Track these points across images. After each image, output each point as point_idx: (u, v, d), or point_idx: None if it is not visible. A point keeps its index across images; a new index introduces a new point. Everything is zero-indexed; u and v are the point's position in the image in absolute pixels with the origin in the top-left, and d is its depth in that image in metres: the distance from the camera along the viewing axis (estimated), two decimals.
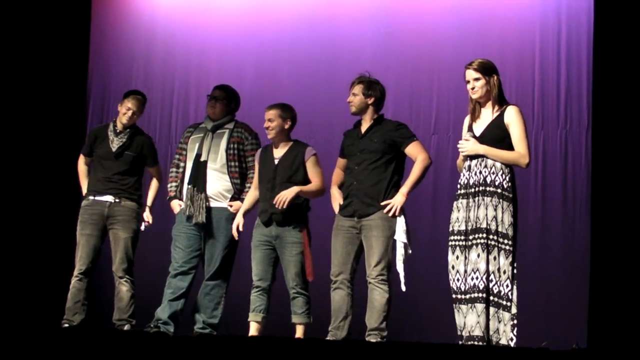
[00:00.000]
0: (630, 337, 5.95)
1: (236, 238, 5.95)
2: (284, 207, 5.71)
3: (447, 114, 7.09)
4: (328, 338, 5.50)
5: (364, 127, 5.64)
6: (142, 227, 6.27)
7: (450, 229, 5.10)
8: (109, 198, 6.21)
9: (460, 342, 4.94)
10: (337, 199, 5.66)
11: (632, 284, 6.11)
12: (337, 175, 5.79)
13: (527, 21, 7.01)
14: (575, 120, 6.79)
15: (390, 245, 5.44)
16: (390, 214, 5.43)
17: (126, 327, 6.10)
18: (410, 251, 5.45)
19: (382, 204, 5.45)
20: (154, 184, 6.43)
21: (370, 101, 5.60)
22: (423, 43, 7.27)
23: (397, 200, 5.45)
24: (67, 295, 6.18)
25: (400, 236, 5.41)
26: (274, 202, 5.74)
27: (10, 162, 7.61)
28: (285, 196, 5.73)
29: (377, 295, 5.42)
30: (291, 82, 7.52)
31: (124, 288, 6.16)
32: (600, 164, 6.40)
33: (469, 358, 4.21)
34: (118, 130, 6.29)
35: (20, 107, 7.73)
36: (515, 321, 4.90)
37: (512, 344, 4.86)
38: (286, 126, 5.92)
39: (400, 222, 5.43)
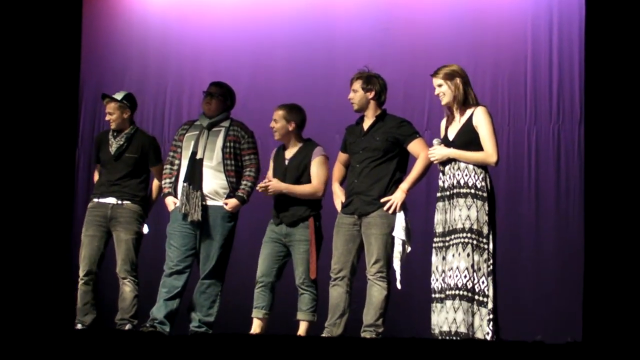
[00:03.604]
0: (625, 330, 5.96)
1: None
2: (267, 194, 5.84)
3: (440, 110, 6.96)
4: (323, 335, 5.52)
5: (366, 124, 5.63)
6: (145, 230, 6.27)
7: (434, 230, 5.19)
8: (111, 200, 6.25)
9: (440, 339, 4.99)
10: (339, 196, 5.67)
11: (626, 277, 6.12)
12: (339, 170, 5.80)
13: (520, 16, 7.02)
14: (567, 115, 6.80)
15: (390, 242, 5.45)
16: (390, 210, 5.44)
17: (127, 327, 6.12)
18: (409, 249, 5.47)
19: (382, 200, 5.46)
20: (155, 185, 6.40)
21: (371, 95, 5.60)
22: (417, 39, 7.27)
23: (397, 196, 5.47)
24: (74, 296, 6.27)
25: (399, 233, 5.42)
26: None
27: (5, 166, 7.59)
28: (273, 187, 5.82)
29: (376, 292, 5.44)
30: (287, 78, 7.51)
31: (127, 289, 6.19)
32: (594, 157, 6.41)
33: (462, 353, 4.23)
34: (116, 134, 6.33)
35: (12, 108, 7.71)
36: (491, 316, 4.96)
37: (488, 337, 4.91)
38: (290, 128, 5.95)
39: (400, 219, 5.44)
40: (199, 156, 6.06)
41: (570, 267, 6.55)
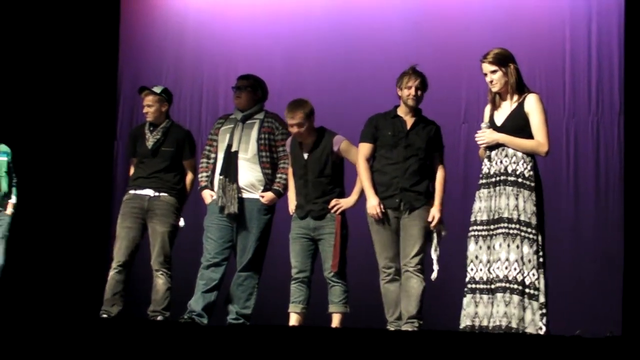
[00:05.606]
0: None
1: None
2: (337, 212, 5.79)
3: (476, 103, 7.03)
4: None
5: (408, 120, 5.59)
6: (182, 223, 6.28)
7: (472, 219, 5.10)
8: (149, 192, 6.25)
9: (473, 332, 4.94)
10: (376, 203, 5.51)
11: None
12: (367, 168, 5.62)
13: (557, 7, 6.97)
14: (607, 107, 6.74)
15: (428, 235, 5.50)
16: (432, 225, 5.48)
17: (159, 319, 6.13)
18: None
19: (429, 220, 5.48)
20: (188, 179, 6.37)
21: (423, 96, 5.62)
22: (452, 31, 7.24)
23: (437, 215, 5.49)
24: (105, 287, 6.23)
25: (434, 254, 5.49)
26: (331, 206, 5.77)
27: (45, 159, 7.69)
28: (343, 205, 5.78)
29: (415, 284, 5.45)
30: (320, 71, 7.52)
31: (160, 281, 6.20)
32: (633, 150, 6.34)
33: (499, 346, 4.21)
34: (152, 128, 6.34)
35: (52, 106, 7.80)
36: (544, 310, 4.86)
37: (541, 332, 4.83)
38: (313, 122, 5.92)
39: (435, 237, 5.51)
40: (234, 149, 6.07)
41: (610, 262, 6.49)
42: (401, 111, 5.63)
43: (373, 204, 5.54)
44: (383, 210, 5.53)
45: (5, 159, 6.77)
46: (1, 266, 6.57)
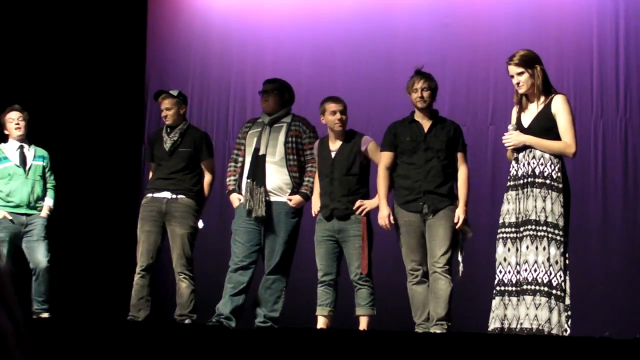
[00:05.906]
0: None
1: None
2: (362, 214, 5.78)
3: (504, 104, 7.00)
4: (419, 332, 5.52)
5: (425, 123, 5.59)
6: (200, 225, 6.30)
7: (501, 221, 5.08)
8: (166, 194, 6.24)
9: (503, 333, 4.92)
10: (385, 213, 5.55)
11: None
12: (386, 179, 5.64)
13: (584, 7, 6.93)
14: (635, 106, 6.69)
15: (455, 235, 5.49)
16: (458, 226, 5.47)
17: (187, 322, 6.14)
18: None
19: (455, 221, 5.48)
20: (206, 181, 6.36)
21: (433, 96, 5.60)
22: (479, 33, 7.22)
23: (461, 215, 5.47)
24: (131, 292, 6.25)
25: (460, 255, 5.49)
26: (356, 207, 5.77)
27: (72, 161, 7.75)
28: (367, 207, 5.77)
29: (444, 285, 5.44)
30: (347, 73, 7.52)
31: (183, 285, 6.19)
32: None
33: (531, 348, 4.20)
34: (169, 130, 6.36)
35: (79, 108, 7.86)
36: (569, 312, 4.84)
37: (565, 334, 4.81)
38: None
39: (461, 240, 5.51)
40: (261, 152, 6.09)
41: (639, 262, 6.44)
42: (418, 116, 5.63)
43: (383, 215, 5.58)
44: (392, 222, 5.56)
45: (41, 163, 6.82)
46: (46, 267, 6.60)
